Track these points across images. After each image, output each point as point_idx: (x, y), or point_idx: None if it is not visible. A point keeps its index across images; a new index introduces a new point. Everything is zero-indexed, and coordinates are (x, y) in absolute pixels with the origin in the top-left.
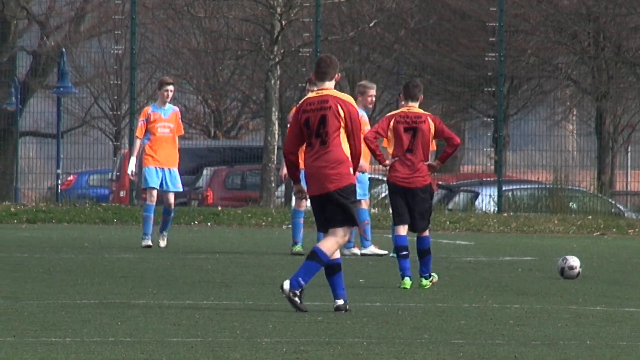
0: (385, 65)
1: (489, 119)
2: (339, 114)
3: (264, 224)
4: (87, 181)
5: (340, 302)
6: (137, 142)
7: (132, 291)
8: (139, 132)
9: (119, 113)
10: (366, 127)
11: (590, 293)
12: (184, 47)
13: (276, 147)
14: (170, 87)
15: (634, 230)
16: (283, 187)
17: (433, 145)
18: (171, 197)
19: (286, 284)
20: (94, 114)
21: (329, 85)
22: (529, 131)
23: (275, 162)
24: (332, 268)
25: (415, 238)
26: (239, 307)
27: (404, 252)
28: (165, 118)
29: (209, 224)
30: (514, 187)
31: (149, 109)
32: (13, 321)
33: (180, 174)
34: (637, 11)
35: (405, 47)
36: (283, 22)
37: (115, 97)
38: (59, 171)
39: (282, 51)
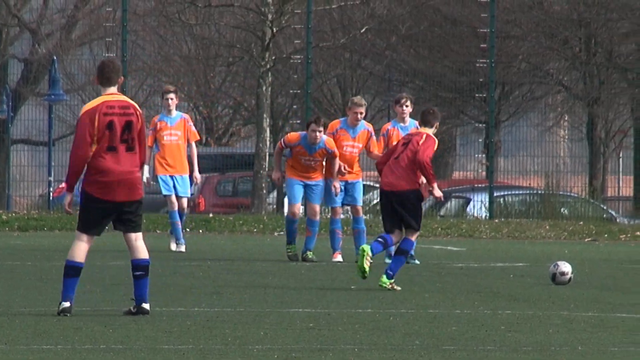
0: (377, 72)
1: (480, 125)
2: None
3: (255, 230)
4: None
5: None
6: (147, 151)
7: (124, 298)
8: (149, 141)
9: None
10: (374, 148)
11: (581, 299)
12: (175, 54)
13: (267, 154)
14: (171, 95)
15: (625, 235)
16: (275, 193)
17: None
18: (183, 202)
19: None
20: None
21: (115, 90)
22: (520, 137)
23: (266, 169)
24: None
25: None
26: (231, 314)
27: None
28: (172, 126)
29: (200, 230)
30: (506, 193)
31: (156, 118)
32: (5, 329)
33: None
34: (628, 16)
35: (396, 54)
36: (274, 29)
37: None
38: (51, 179)
39: (273, 58)
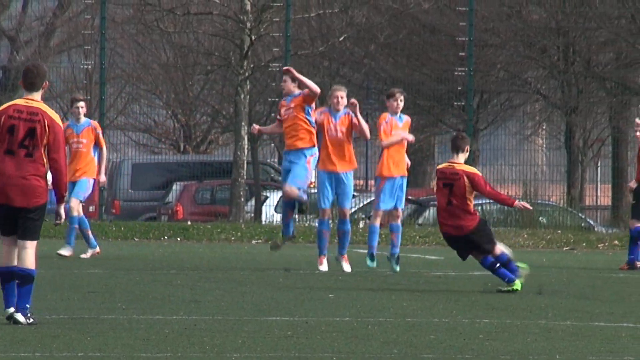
0: (355, 80)
1: None
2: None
3: (233, 238)
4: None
5: None
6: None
7: (101, 306)
8: None
9: None
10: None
11: (559, 307)
12: (154, 62)
13: (245, 161)
14: (81, 104)
15: (603, 244)
16: (253, 202)
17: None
18: (72, 203)
19: None
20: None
21: (37, 96)
22: (498, 145)
23: (245, 177)
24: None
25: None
26: (209, 322)
27: None
28: (78, 134)
29: (178, 239)
30: (484, 201)
31: (65, 125)
32: None
33: (150, 189)
34: (606, 25)
35: (375, 62)
36: (253, 37)
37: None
38: None
39: (251, 66)
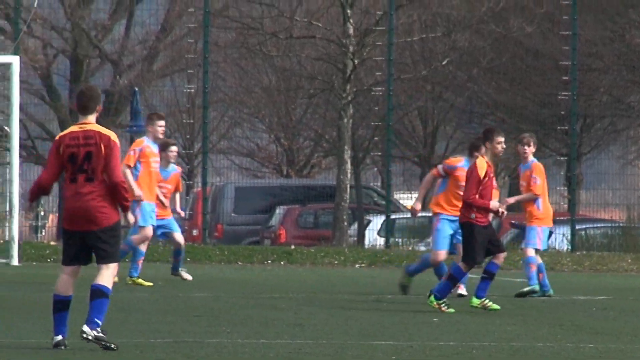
0: (458, 104)
1: (562, 158)
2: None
3: (336, 262)
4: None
5: None
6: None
7: (206, 330)
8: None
9: (191, 152)
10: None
11: None
12: (256, 85)
13: (348, 185)
14: (173, 149)
15: None
16: (356, 225)
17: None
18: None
19: None
20: None
21: (92, 119)
22: (602, 170)
23: (347, 200)
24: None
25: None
26: (313, 346)
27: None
28: (165, 179)
29: (282, 262)
30: (587, 225)
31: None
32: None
33: (253, 213)
34: None
35: (477, 86)
36: (355, 61)
37: (188, 136)
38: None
39: (354, 90)
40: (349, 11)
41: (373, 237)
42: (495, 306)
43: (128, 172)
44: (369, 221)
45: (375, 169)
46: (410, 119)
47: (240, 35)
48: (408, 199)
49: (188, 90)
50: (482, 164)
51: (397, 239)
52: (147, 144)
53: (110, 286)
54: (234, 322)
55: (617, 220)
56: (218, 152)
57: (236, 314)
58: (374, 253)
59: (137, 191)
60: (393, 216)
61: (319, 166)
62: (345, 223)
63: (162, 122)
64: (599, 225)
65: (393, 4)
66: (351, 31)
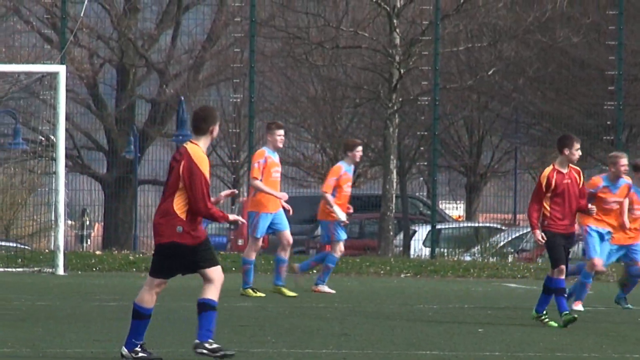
0: (504, 114)
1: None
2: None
3: (382, 272)
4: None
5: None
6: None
7: (251, 339)
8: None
9: (237, 161)
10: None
11: None
12: (302, 95)
13: (394, 195)
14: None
15: None
16: (401, 235)
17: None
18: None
19: None
20: (212, 162)
21: (202, 140)
22: None
23: (393, 210)
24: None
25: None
26: (359, 356)
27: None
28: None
29: None
30: None
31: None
32: None
33: (298, 222)
34: None
35: (523, 95)
36: (401, 71)
37: (234, 146)
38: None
39: (400, 99)
40: (395, 21)
41: (418, 247)
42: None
43: (259, 183)
44: (415, 231)
45: (421, 178)
46: (456, 129)
47: (286, 44)
48: (453, 209)
49: (234, 100)
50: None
51: (442, 249)
52: (268, 154)
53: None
54: (279, 332)
55: None
56: None
57: (281, 323)
58: (419, 263)
59: (282, 195)
60: (439, 226)
61: (365, 176)
62: (391, 233)
63: (282, 132)
64: None
65: (439, 13)
66: (397, 41)
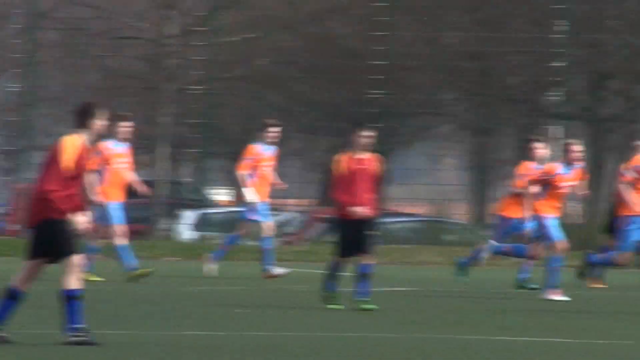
0: (278, 103)
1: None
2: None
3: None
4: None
5: None
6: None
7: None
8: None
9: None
10: None
11: None
12: (82, 84)
13: (164, 181)
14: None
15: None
16: (170, 219)
17: None
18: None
19: None
20: None
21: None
22: (412, 165)
23: (164, 195)
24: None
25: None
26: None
27: None
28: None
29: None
30: (394, 219)
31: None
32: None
33: None
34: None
35: (296, 85)
36: (176, 60)
37: (14, 134)
38: None
39: (175, 88)
40: (173, 12)
41: (186, 231)
42: None
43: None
44: (181, 215)
45: (194, 165)
46: (229, 117)
47: (66, 36)
48: (226, 195)
49: (13, 90)
50: None
51: (210, 233)
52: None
53: None
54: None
55: (422, 214)
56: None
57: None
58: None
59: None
60: (206, 211)
61: (138, 163)
62: (160, 217)
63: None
64: (405, 219)
65: (216, 5)
66: (173, 31)
